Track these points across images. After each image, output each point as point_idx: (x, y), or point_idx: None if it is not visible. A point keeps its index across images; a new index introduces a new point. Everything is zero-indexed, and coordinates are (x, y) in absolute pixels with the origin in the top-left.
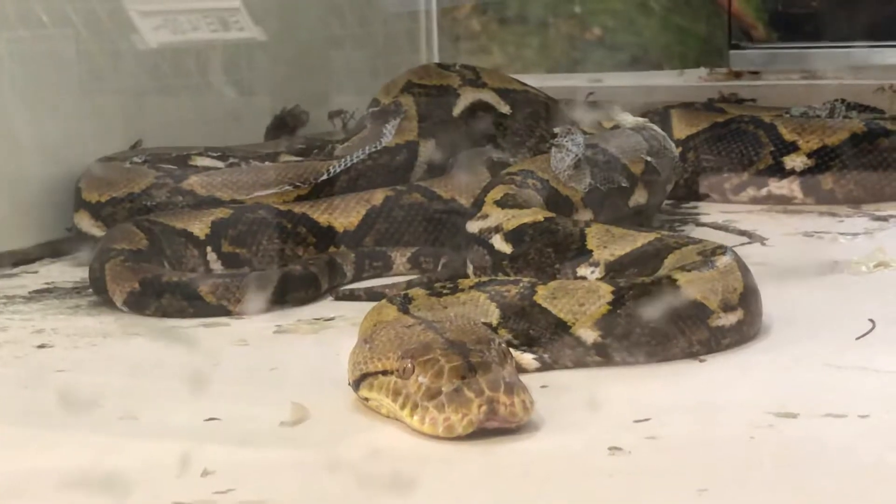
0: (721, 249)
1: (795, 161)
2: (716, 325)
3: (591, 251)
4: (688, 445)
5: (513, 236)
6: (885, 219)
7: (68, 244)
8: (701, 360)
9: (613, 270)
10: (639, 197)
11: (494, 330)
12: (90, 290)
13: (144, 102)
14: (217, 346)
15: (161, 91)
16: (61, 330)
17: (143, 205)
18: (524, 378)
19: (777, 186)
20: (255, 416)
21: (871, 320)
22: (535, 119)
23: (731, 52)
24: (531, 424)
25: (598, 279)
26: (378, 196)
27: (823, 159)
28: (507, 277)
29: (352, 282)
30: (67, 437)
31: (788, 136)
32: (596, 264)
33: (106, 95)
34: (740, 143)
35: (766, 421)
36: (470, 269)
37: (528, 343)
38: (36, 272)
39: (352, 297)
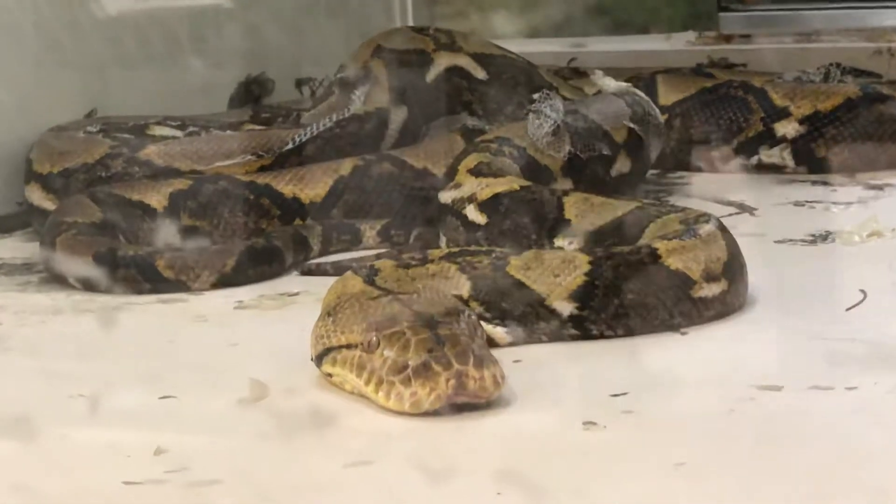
0: (704, 218)
1: (787, 128)
2: (698, 295)
3: (570, 221)
4: (666, 420)
5: (487, 206)
6: (879, 188)
7: (19, 219)
8: (682, 333)
9: (593, 241)
10: (621, 166)
11: (465, 303)
12: (41, 265)
13: (106, 74)
14: (175, 322)
15: (123, 62)
16: (9, 307)
17: (98, 176)
18: (496, 353)
19: (768, 155)
20: (212, 393)
21: (863, 291)
22: (514, 85)
23: (721, 14)
24: (502, 399)
25: (576, 250)
26: (346, 166)
27: (816, 126)
28: (479, 248)
29: (318, 256)
30: None
31: (780, 101)
32: (574, 235)
33: (64, 66)
34: (729, 110)
35: (748, 394)
36: (443, 242)
37: (501, 316)
38: None
39: (318, 271)
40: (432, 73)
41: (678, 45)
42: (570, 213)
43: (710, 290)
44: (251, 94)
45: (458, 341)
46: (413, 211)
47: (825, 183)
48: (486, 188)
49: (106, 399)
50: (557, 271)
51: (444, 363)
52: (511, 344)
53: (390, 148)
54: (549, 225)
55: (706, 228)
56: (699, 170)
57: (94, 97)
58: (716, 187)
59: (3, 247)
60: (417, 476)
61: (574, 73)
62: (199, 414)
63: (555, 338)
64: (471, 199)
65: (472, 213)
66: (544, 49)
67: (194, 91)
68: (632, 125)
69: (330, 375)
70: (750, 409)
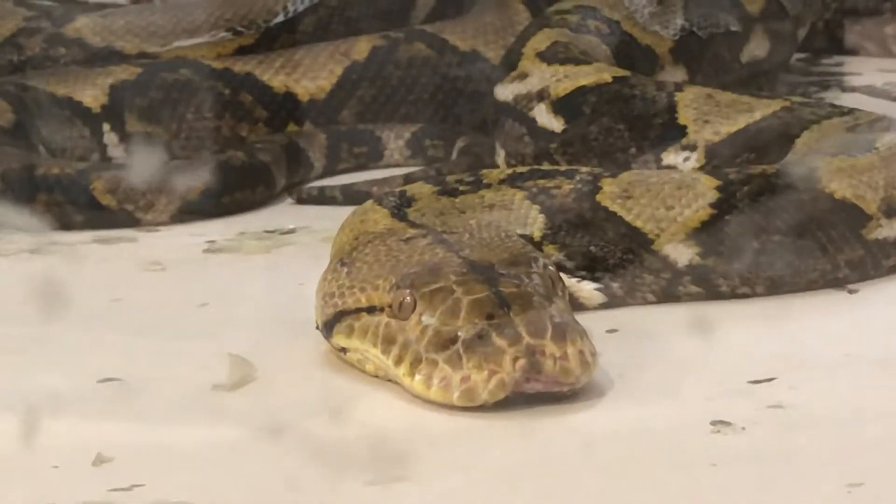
0: (882, 123)
1: None
2: (874, 237)
3: (685, 127)
4: (831, 418)
5: (565, 106)
6: None
7: None
8: (851, 291)
9: (718, 157)
10: (756, 48)
11: (538, 246)
12: None
13: None
14: (119, 271)
15: None
16: None
17: (8, 60)
18: (584, 319)
19: None
20: (173, 375)
21: None
22: None
23: None
24: (593, 388)
25: (695, 169)
26: (361, 47)
27: None
28: (555, 167)
29: (322, 176)
30: None
31: None
32: (692, 147)
33: None
34: None
35: None
36: (500, 158)
37: (590, 266)
38: None
39: (322, 198)
40: None
41: None
42: (685, 115)
43: (891, 230)
44: None
45: (531, 303)
46: (457, 112)
47: None
48: (564, 80)
49: (21, 382)
50: (670, 201)
51: (511, 335)
52: (604, 306)
53: (424, 21)
54: (656, 133)
55: (886, 139)
56: (866, 54)
57: None
58: (890, 79)
59: None
60: (474, 501)
61: None
62: (157, 405)
63: (667, 297)
64: (542, 95)
65: (544, 115)
66: None
67: None
68: None
69: (344, 351)
70: None
